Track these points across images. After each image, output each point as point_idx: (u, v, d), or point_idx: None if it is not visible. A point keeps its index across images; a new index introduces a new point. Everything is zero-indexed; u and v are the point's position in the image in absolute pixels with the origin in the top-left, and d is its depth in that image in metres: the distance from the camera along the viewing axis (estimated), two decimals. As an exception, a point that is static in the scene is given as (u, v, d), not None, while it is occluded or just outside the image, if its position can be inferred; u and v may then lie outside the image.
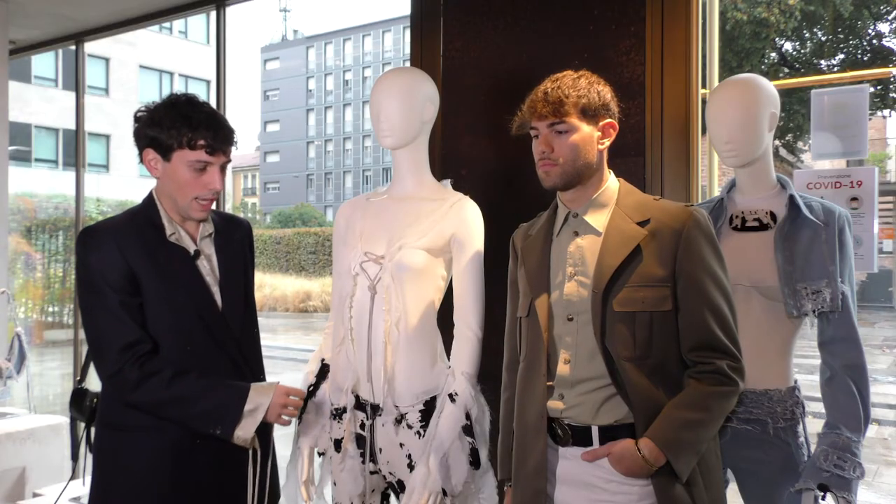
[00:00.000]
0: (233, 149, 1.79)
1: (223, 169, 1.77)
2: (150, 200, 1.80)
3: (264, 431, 1.79)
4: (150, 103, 1.76)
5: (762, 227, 1.82)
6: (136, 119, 1.76)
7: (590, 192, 1.58)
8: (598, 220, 1.56)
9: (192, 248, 1.79)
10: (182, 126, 1.69)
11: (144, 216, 1.77)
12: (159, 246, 1.74)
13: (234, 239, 1.90)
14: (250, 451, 1.77)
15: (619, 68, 2.34)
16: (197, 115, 1.71)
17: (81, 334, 4.98)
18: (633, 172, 2.28)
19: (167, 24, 24.85)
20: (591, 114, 1.53)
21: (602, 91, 1.55)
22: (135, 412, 1.69)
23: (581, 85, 1.53)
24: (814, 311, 1.72)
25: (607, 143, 1.57)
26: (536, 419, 1.55)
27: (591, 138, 1.54)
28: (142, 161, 1.77)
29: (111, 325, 1.67)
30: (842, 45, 15.00)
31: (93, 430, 1.87)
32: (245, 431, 1.67)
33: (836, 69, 14.90)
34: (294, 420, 1.99)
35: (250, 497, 1.78)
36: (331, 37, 51.16)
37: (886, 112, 15.50)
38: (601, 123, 1.55)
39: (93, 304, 1.69)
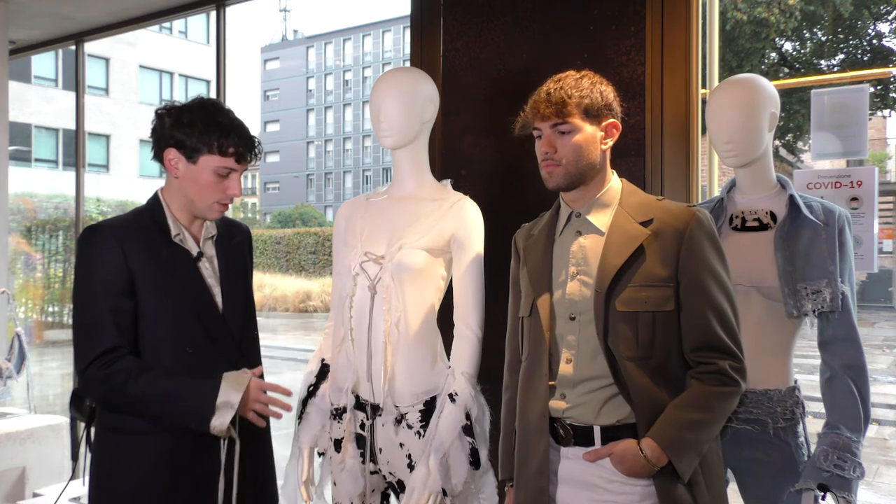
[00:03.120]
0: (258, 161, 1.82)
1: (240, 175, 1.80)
2: (155, 201, 1.80)
3: (261, 431, 1.79)
4: (172, 103, 1.76)
5: (762, 227, 1.82)
6: (160, 117, 1.75)
7: (593, 191, 1.58)
8: (600, 219, 1.56)
9: (195, 250, 1.79)
10: (214, 131, 1.70)
11: (149, 216, 1.77)
12: (162, 246, 1.74)
13: (235, 242, 1.91)
14: (222, 441, 1.73)
15: (619, 68, 2.34)
16: (228, 122, 1.73)
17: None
18: (633, 172, 2.28)
19: (167, 24, 24.86)
20: (593, 114, 1.53)
21: (605, 91, 1.55)
22: (129, 416, 1.68)
23: (584, 85, 1.53)
24: (814, 311, 1.72)
25: (610, 142, 1.58)
26: (538, 419, 1.55)
27: (594, 138, 1.54)
28: (157, 159, 1.77)
29: (94, 328, 1.67)
30: (842, 45, 15.00)
31: (93, 430, 1.87)
32: (220, 422, 1.65)
33: (836, 69, 14.90)
34: (294, 419, 2.00)
35: (221, 490, 1.74)
36: (331, 37, 51.16)
37: (886, 112, 15.49)
38: (604, 123, 1.55)
39: (83, 305, 1.69)
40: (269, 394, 1.75)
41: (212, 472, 1.74)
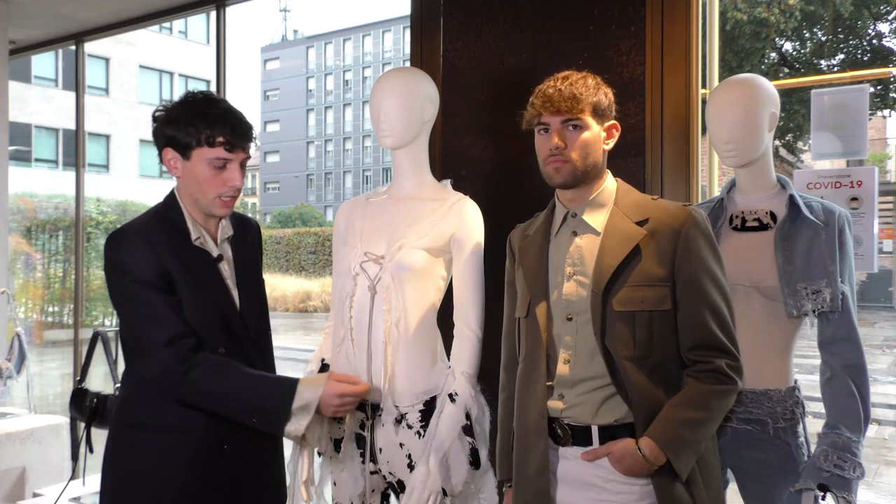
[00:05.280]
0: (252, 145, 1.77)
1: (243, 166, 1.75)
2: (172, 201, 1.78)
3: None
4: (167, 102, 1.74)
5: (762, 227, 1.82)
6: (154, 119, 1.74)
7: (588, 191, 1.58)
8: (596, 219, 1.57)
9: (214, 252, 1.78)
10: (200, 123, 1.67)
11: (168, 218, 1.75)
12: (184, 249, 1.72)
13: (247, 240, 1.90)
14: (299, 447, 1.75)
15: (619, 68, 2.34)
16: (214, 111, 1.69)
17: (81, 334, 4.97)
18: (633, 172, 2.28)
19: (167, 24, 24.86)
20: (600, 113, 1.55)
21: (608, 93, 1.58)
22: (159, 412, 1.67)
23: (590, 84, 1.55)
24: (814, 311, 1.72)
25: (611, 143, 1.59)
26: (537, 419, 1.55)
27: (599, 138, 1.56)
28: (162, 161, 1.75)
29: (153, 323, 1.64)
30: (842, 45, 15.01)
31: (93, 430, 1.86)
32: (296, 428, 1.64)
33: (836, 69, 14.92)
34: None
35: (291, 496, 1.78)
36: (331, 37, 51.16)
37: (886, 112, 15.50)
38: (606, 124, 1.57)
39: (132, 305, 1.66)
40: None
41: (233, 473, 1.73)
